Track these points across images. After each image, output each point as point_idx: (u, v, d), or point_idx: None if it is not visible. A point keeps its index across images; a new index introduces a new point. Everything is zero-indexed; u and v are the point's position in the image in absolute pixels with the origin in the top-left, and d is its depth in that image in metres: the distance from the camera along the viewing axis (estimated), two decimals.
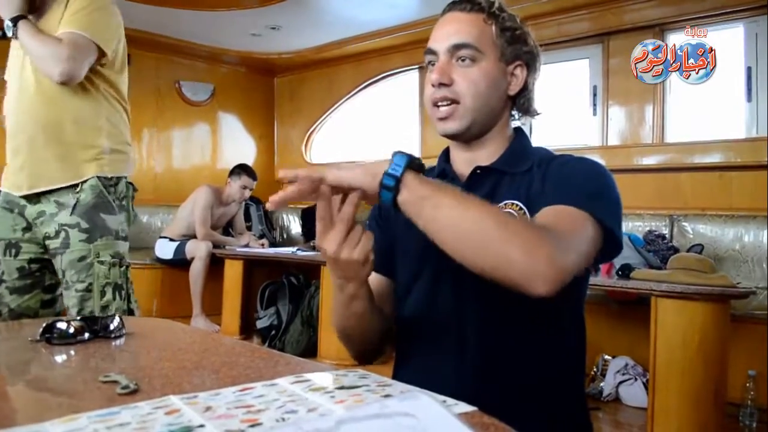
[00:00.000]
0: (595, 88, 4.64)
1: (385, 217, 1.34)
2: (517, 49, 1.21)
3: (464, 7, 1.19)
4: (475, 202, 0.97)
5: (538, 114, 1.29)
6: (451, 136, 1.22)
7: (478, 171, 1.22)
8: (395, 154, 0.97)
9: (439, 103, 1.18)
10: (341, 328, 1.21)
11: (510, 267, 0.90)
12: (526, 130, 1.33)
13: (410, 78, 5.75)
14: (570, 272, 0.94)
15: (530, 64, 1.24)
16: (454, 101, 1.17)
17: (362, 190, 0.97)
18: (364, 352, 1.27)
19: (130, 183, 2.39)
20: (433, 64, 1.20)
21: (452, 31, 1.18)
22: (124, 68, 2.38)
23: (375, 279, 1.29)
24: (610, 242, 1.06)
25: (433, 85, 1.18)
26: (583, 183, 1.11)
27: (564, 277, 0.92)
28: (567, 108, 4.86)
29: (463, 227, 0.93)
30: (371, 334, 1.22)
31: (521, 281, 0.91)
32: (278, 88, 6.91)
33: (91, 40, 2.18)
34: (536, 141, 1.33)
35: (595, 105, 4.64)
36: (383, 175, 0.95)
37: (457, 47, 1.17)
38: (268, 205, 0.98)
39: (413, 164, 0.97)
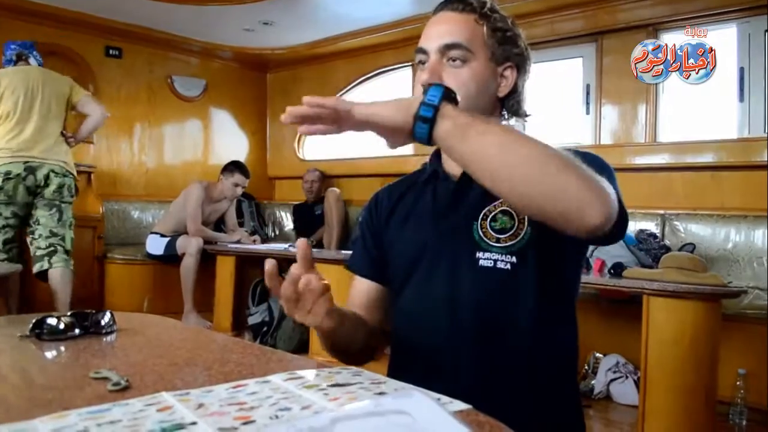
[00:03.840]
0: (588, 86, 4.65)
1: (375, 222, 1.34)
2: (508, 51, 1.20)
3: (456, 7, 1.19)
4: (518, 130, 0.92)
5: (528, 116, 1.29)
6: None
7: None
8: (430, 86, 0.93)
9: None
10: (328, 349, 1.21)
11: (564, 193, 0.86)
12: (519, 127, 1.32)
13: (403, 75, 5.75)
14: (616, 208, 0.90)
15: (520, 65, 1.23)
16: None
17: (395, 130, 0.93)
18: (353, 360, 1.27)
19: None
20: (424, 63, 1.19)
21: (443, 30, 1.17)
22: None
23: (366, 285, 1.31)
24: (619, 215, 1.00)
25: (423, 86, 1.17)
26: (588, 162, 1.10)
27: (614, 208, 0.89)
28: (560, 106, 4.87)
29: (512, 153, 0.89)
30: (357, 346, 1.23)
31: (575, 208, 0.87)
32: (271, 83, 6.89)
33: None
34: None
35: (588, 104, 4.65)
36: (419, 106, 0.91)
37: (448, 47, 1.16)
38: (283, 117, 0.96)
39: (450, 96, 0.93)
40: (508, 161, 0.89)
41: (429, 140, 0.92)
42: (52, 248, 3.95)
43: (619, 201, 1.00)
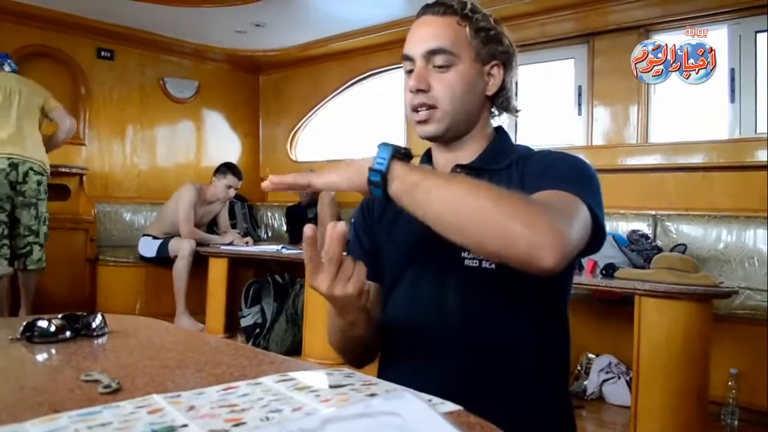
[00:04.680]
0: (580, 88, 4.66)
1: (368, 222, 1.34)
2: (493, 49, 1.21)
3: (437, 11, 1.19)
4: (467, 180, 0.95)
5: (518, 111, 1.29)
6: (431, 139, 1.23)
7: (458, 170, 1.22)
8: (380, 146, 0.97)
9: (418, 109, 1.19)
10: (339, 347, 1.22)
11: (512, 241, 0.87)
12: (511, 128, 1.33)
13: (395, 76, 5.75)
14: (573, 243, 0.90)
15: (507, 63, 1.23)
16: (431, 106, 1.17)
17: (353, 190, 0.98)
18: (359, 360, 1.29)
19: None
20: (410, 70, 1.20)
21: (427, 35, 1.18)
22: None
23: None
24: (595, 231, 1.03)
25: (411, 91, 1.18)
26: (567, 171, 1.11)
27: (568, 246, 0.88)
28: (552, 108, 4.88)
29: (458, 207, 0.91)
30: (368, 347, 1.24)
31: (526, 254, 0.87)
32: (263, 85, 6.88)
33: None
34: (521, 140, 1.34)
35: (580, 105, 4.66)
36: (369, 171, 0.95)
37: (433, 52, 1.16)
38: (264, 184, 1.01)
39: (399, 154, 0.97)
40: (455, 216, 0.91)
41: (386, 199, 0.97)
42: (28, 248, 4.23)
43: (594, 215, 1.01)
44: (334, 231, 0.92)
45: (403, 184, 0.94)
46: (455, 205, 0.91)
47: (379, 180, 0.95)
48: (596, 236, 1.04)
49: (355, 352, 1.25)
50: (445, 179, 0.96)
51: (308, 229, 0.92)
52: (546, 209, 0.91)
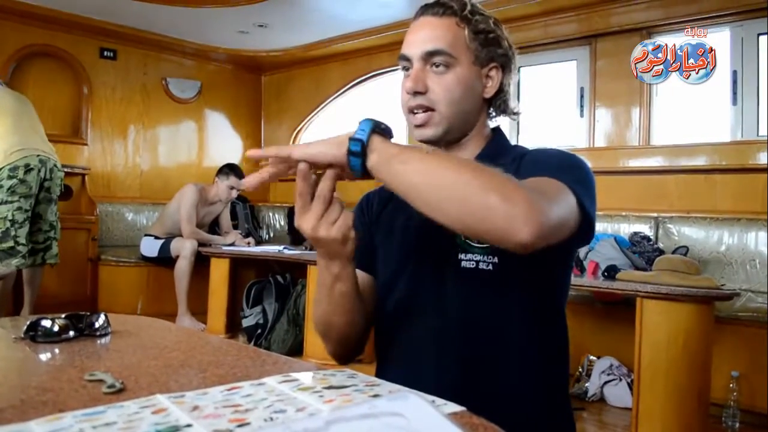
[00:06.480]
0: (582, 89, 4.66)
1: (366, 222, 1.34)
2: (492, 52, 1.20)
3: (437, 12, 1.19)
4: (446, 155, 0.96)
5: (516, 113, 1.29)
6: (428, 142, 1.23)
7: None
8: (362, 120, 0.96)
9: (415, 111, 1.18)
10: (323, 317, 1.18)
11: (489, 214, 0.86)
12: (513, 129, 1.34)
13: (397, 77, 5.73)
14: (551, 220, 0.90)
15: (505, 65, 1.23)
16: (429, 108, 1.17)
17: (335, 166, 0.96)
18: (343, 350, 1.25)
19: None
20: (407, 69, 1.20)
21: (425, 37, 1.18)
22: None
23: (359, 275, 1.27)
24: (583, 222, 1.02)
25: (408, 93, 1.18)
26: (559, 163, 1.11)
27: (545, 222, 0.88)
28: (554, 109, 4.88)
29: (436, 180, 0.90)
30: (351, 328, 1.19)
31: (502, 227, 0.86)
32: (265, 86, 6.89)
33: None
34: (523, 141, 1.33)
35: (582, 107, 4.66)
36: (349, 141, 0.94)
37: (431, 54, 1.16)
38: (244, 182, 1.00)
39: (379, 128, 0.96)
40: (431, 188, 0.91)
41: (363, 172, 0.95)
42: (48, 242, 4.24)
43: (582, 204, 1.01)
44: (327, 171, 0.94)
45: (381, 156, 0.93)
46: (433, 178, 0.91)
47: (359, 150, 0.93)
48: (586, 227, 1.03)
49: (336, 328, 1.18)
50: (424, 153, 0.95)
51: (303, 164, 0.94)
52: (526, 187, 0.91)
